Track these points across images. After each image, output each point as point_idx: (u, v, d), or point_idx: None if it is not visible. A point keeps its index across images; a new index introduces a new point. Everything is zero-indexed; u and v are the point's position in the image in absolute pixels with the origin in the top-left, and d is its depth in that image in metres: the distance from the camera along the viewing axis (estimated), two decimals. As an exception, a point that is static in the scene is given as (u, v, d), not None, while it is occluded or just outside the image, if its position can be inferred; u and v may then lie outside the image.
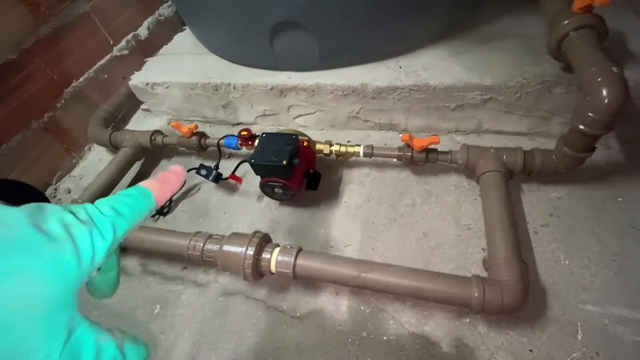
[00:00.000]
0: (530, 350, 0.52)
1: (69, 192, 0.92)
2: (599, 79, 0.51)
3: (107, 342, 0.24)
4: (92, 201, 0.30)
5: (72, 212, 0.25)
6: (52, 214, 0.24)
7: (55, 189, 0.93)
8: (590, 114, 0.52)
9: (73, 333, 0.22)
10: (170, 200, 0.81)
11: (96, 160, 0.99)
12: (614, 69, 0.51)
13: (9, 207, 0.24)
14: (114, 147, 0.91)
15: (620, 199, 0.65)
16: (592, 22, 0.58)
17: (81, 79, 0.98)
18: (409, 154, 0.69)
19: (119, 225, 0.27)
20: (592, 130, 0.53)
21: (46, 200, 0.78)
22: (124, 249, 0.74)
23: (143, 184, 0.30)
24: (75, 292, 0.23)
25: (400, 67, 0.79)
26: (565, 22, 0.60)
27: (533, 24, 0.80)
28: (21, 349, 0.20)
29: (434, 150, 0.69)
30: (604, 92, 0.50)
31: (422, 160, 0.69)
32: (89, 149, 1.03)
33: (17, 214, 0.23)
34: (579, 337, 0.52)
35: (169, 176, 0.31)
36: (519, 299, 0.48)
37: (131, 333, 0.27)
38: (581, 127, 0.53)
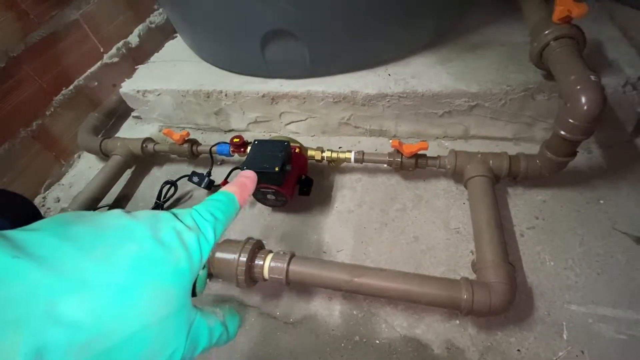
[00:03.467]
0: (518, 350, 0.53)
1: (58, 200, 0.91)
2: (578, 87, 0.53)
3: (215, 322, 0.28)
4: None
5: (179, 219, 0.28)
6: (166, 223, 0.27)
7: (44, 198, 0.92)
8: (570, 120, 0.54)
9: (192, 325, 0.26)
10: (162, 207, 0.81)
11: (86, 168, 0.98)
12: (592, 77, 0.53)
13: (131, 219, 0.27)
14: (104, 155, 0.91)
15: (601, 202, 0.68)
16: (571, 32, 0.61)
17: (71, 87, 0.97)
18: (399, 159, 0.70)
19: (218, 229, 0.30)
20: (572, 136, 0.55)
21: (34, 209, 0.77)
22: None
23: (227, 188, 0.33)
24: (189, 290, 0.26)
25: (389, 74, 0.81)
26: (546, 32, 0.62)
27: (517, 33, 0.83)
28: (155, 347, 0.22)
29: (423, 156, 0.71)
30: (583, 99, 0.52)
31: (412, 166, 0.71)
32: (79, 157, 1.02)
33: (141, 229, 0.26)
34: (565, 336, 0.53)
35: (244, 181, 0.34)
36: (506, 300, 0.50)
37: (225, 306, 0.31)
38: (562, 132, 0.56)
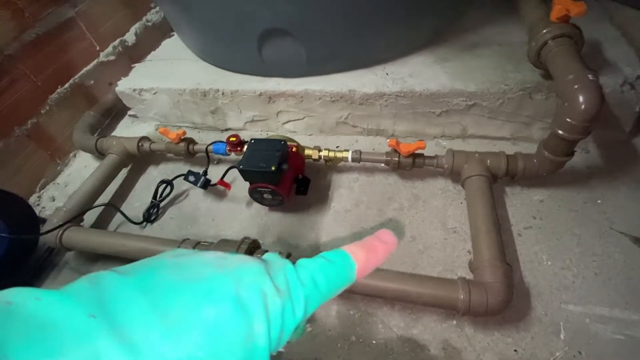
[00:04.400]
0: (515, 350, 0.53)
1: (54, 199, 0.90)
2: (576, 86, 0.53)
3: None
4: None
5: (270, 276, 0.23)
6: (254, 278, 0.23)
7: (39, 197, 0.91)
8: (568, 120, 0.54)
9: None
10: (158, 207, 0.81)
11: (82, 167, 0.97)
12: (590, 76, 0.53)
13: (217, 271, 0.23)
14: (100, 154, 0.90)
15: (599, 201, 0.67)
16: (569, 31, 0.60)
17: (66, 85, 0.97)
18: (397, 159, 0.70)
19: (312, 302, 0.24)
20: (570, 135, 0.55)
21: (29, 208, 0.76)
22: (109, 257, 0.73)
23: (349, 250, 0.26)
24: None
25: (387, 73, 0.81)
26: (544, 31, 0.62)
27: (515, 33, 0.83)
28: None
29: (421, 155, 0.70)
30: (581, 99, 0.52)
31: (409, 165, 0.70)
32: (74, 155, 1.01)
33: (225, 285, 0.22)
34: (562, 336, 0.53)
35: (377, 246, 0.26)
36: (503, 300, 0.50)
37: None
38: (560, 132, 0.55)
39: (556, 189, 0.70)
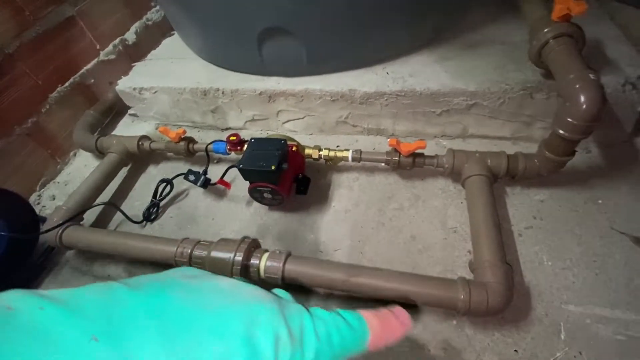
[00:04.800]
0: (515, 350, 0.53)
1: (54, 198, 0.90)
2: (577, 86, 0.52)
3: None
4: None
5: (286, 320, 0.22)
6: (269, 322, 0.22)
7: (39, 196, 0.91)
8: (569, 120, 0.53)
9: None
10: (158, 206, 0.81)
11: (82, 166, 0.97)
12: (592, 75, 0.53)
13: (232, 305, 0.22)
14: (100, 153, 0.90)
15: (600, 201, 0.67)
16: (570, 30, 0.60)
17: (67, 84, 0.97)
18: (397, 158, 0.70)
19: (322, 357, 0.23)
20: (571, 135, 0.55)
21: (29, 207, 0.76)
22: (109, 256, 0.73)
23: (366, 317, 0.25)
24: None
25: (387, 73, 0.81)
26: (545, 30, 0.62)
27: (516, 32, 0.82)
28: None
29: (421, 155, 0.70)
30: (582, 99, 0.51)
31: (410, 165, 0.70)
32: (75, 154, 1.01)
33: (237, 322, 0.21)
34: (562, 336, 0.53)
35: (393, 323, 0.26)
36: (503, 301, 0.49)
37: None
38: (561, 131, 0.55)
39: (557, 189, 0.70)
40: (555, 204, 0.68)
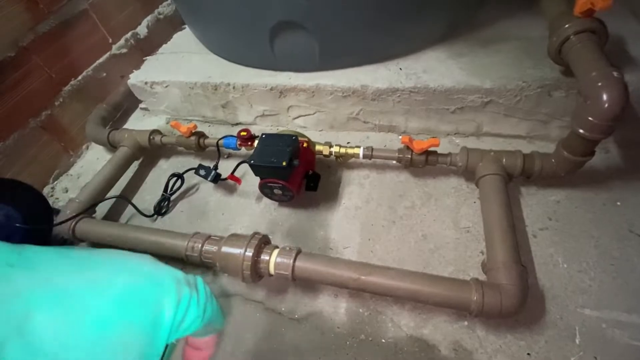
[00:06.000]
0: (528, 353, 0.52)
1: (67, 191, 0.91)
2: (600, 84, 0.51)
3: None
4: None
5: (182, 272, 0.29)
6: (168, 268, 0.28)
7: (53, 188, 0.93)
8: (590, 119, 0.52)
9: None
10: (169, 200, 0.81)
11: (94, 159, 0.98)
12: (615, 73, 0.51)
13: (134, 256, 0.28)
14: (112, 147, 0.91)
15: (618, 203, 0.65)
16: (593, 26, 0.58)
17: (80, 77, 0.97)
18: (409, 156, 0.69)
19: (208, 309, 0.29)
20: (591, 135, 0.53)
21: (44, 200, 0.77)
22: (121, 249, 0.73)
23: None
24: (160, 351, 0.26)
25: (400, 69, 0.79)
26: (566, 25, 0.60)
27: (533, 27, 0.80)
28: None
29: (434, 153, 0.69)
30: (605, 97, 0.50)
31: (422, 163, 0.69)
32: (87, 147, 1.02)
33: (142, 263, 0.27)
34: (577, 341, 0.52)
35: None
36: (517, 303, 0.49)
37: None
38: (581, 131, 0.54)
39: (573, 190, 0.68)
40: (572, 205, 0.66)
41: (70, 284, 0.21)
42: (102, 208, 0.81)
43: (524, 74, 0.71)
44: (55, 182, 0.94)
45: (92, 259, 0.25)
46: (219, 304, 0.33)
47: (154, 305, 0.24)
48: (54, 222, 0.71)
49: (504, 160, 0.64)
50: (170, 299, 0.25)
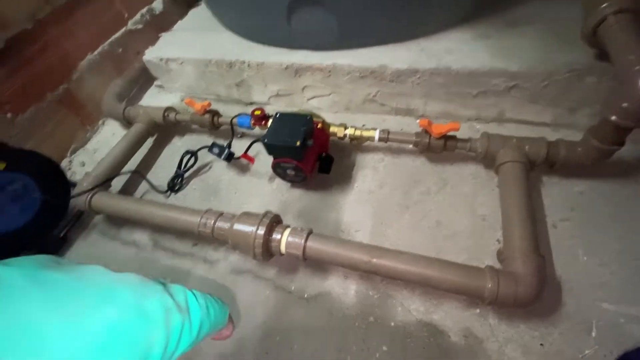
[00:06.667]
0: (542, 344, 0.51)
1: (83, 165, 0.93)
2: (637, 67, 0.47)
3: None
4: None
5: (171, 294, 0.26)
6: (155, 294, 0.25)
7: (70, 161, 0.94)
8: (624, 105, 0.49)
9: None
10: (182, 177, 0.81)
11: (110, 135, 0.99)
12: (655, 56, 0.47)
13: (117, 280, 0.24)
14: (127, 122, 0.91)
15: (646, 197, 0.62)
16: (633, 5, 0.54)
17: (96, 52, 0.97)
18: (427, 140, 0.67)
19: (204, 326, 0.28)
20: (624, 122, 0.50)
21: (61, 172, 0.77)
22: (135, 223, 0.75)
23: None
24: None
25: (421, 49, 0.76)
26: (604, 5, 0.56)
27: (564, 8, 0.75)
28: None
29: (453, 138, 0.67)
30: (642, 81, 0.46)
31: (440, 148, 0.67)
32: (103, 123, 1.03)
33: (126, 292, 0.23)
34: (593, 334, 0.50)
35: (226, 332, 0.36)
36: (533, 293, 0.47)
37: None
38: (613, 117, 0.51)
39: (598, 181, 0.65)
40: (596, 196, 0.64)
41: (44, 325, 0.19)
42: (117, 183, 0.82)
43: (553, 58, 0.67)
44: (73, 156, 0.95)
45: (70, 285, 0.22)
46: (219, 303, 0.32)
47: (141, 344, 0.22)
48: (71, 194, 0.72)
49: (527, 147, 0.61)
50: (160, 334, 0.23)
